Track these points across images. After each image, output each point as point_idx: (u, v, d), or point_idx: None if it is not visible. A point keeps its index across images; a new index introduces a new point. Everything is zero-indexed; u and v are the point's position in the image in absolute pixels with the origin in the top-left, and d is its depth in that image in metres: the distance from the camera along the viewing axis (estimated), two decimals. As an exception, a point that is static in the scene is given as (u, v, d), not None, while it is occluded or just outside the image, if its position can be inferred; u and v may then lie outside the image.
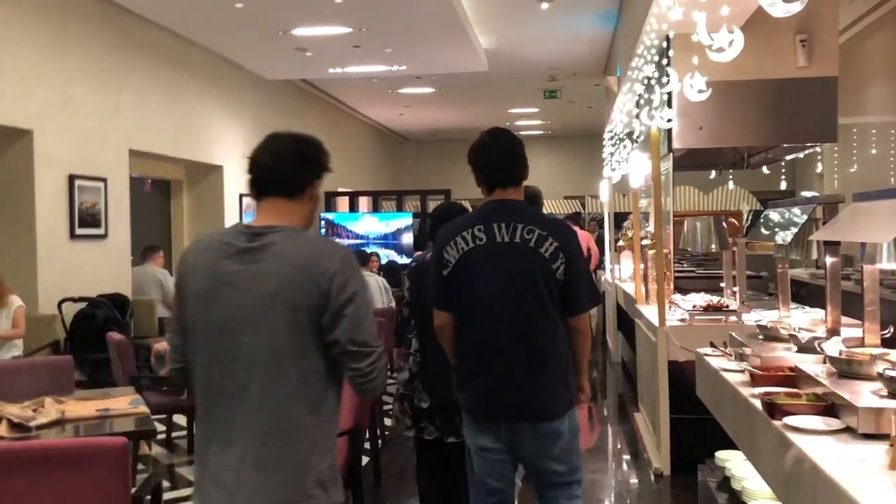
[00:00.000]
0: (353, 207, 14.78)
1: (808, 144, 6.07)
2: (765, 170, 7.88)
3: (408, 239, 13.67)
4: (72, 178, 6.88)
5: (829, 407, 2.36)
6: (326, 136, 12.83)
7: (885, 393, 2.29)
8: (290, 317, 1.94)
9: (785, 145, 6.14)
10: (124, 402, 3.39)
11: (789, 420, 2.31)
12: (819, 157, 9.18)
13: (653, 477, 4.87)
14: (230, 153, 10.19)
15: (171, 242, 9.82)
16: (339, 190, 14.50)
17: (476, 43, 9.38)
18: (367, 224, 13.83)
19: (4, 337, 5.71)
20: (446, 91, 13.16)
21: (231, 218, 10.19)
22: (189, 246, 2.16)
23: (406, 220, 13.85)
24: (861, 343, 2.84)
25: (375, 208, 15.08)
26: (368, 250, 11.54)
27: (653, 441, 5.27)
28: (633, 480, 5.02)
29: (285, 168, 2.10)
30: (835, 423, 2.26)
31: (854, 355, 2.54)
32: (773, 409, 2.41)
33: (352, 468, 3.41)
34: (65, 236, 6.83)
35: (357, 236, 13.63)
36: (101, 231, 7.26)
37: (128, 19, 7.74)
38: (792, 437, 2.22)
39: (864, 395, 2.30)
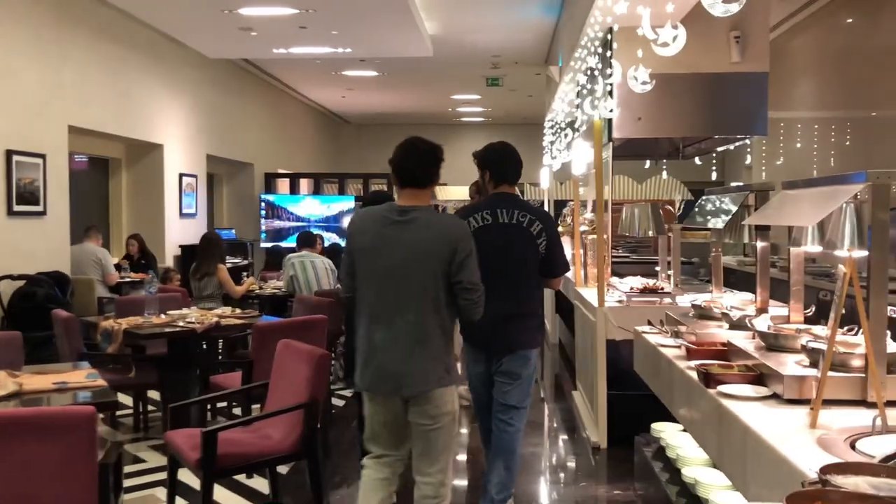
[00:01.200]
0: (294, 189, 14.72)
1: (740, 137, 6.36)
2: (697, 161, 8.20)
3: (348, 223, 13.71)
4: (9, 154, 6.72)
5: (759, 376, 2.59)
6: (267, 116, 12.86)
7: (807, 363, 2.53)
8: (430, 266, 2.97)
9: (717, 137, 6.43)
10: (80, 376, 3.42)
11: (723, 388, 2.52)
12: (748, 150, 9.59)
13: (591, 451, 5.11)
14: (171, 132, 10.05)
15: (108, 221, 9.65)
16: (280, 171, 14.42)
17: (422, 28, 9.46)
18: (309, 206, 13.80)
19: (-59, 314, 5.61)
20: (390, 75, 13.20)
21: (171, 197, 10.07)
22: (357, 214, 3.37)
23: (348, 203, 13.87)
24: (787, 320, 3.09)
25: (317, 190, 15.04)
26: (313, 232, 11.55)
27: (590, 417, 5.51)
28: (572, 455, 5.25)
29: (422, 168, 3.13)
30: (763, 391, 2.48)
31: (780, 330, 2.77)
32: (709, 379, 2.62)
33: (307, 440, 3.52)
34: (1, 213, 6.68)
35: (298, 218, 13.59)
36: (39, 208, 7.13)
37: (68, -8, 7.58)
38: (725, 403, 2.44)
39: (789, 365, 2.53)
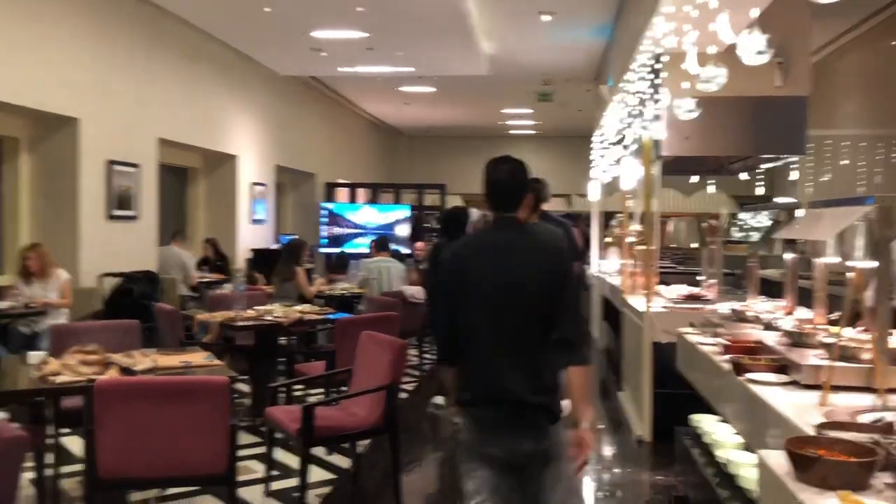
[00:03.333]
0: (352, 198, 15.40)
1: (782, 156, 6.76)
2: (743, 176, 8.56)
3: (403, 230, 14.30)
4: (110, 164, 7.46)
5: (782, 367, 3.06)
6: (329, 129, 13.64)
7: (825, 356, 2.99)
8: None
9: (761, 156, 6.84)
10: (200, 358, 4.03)
11: (750, 375, 3.00)
12: (794, 166, 9.92)
13: (635, 443, 5.57)
14: (244, 143, 10.78)
15: (186, 226, 10.40)
16: (340, 181, 15.11)
17: (479, 48, 10.03)
18: (366, 215, 14.45)
19: (55, 305, 6.32)
20: (445, 90, 13.80)
21: (243, 204, 10.79)
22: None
23: (404, 212, 14.49)
24: (811, 322, 3.54)
25: (373, 200, 15.68)
26: (367, 239, 12.21)
27: (636, 413, 5.97)
28: (618, 446, 5.72)
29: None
30: (784, 378, 2.96)
31: (803, 328, 3.24)
32: (739, 368, 3.10)
33: (389, 417, 4.08)
34: (102, 217, 7.41)
35: (356, 226, 14.24)
36: (133, 213, 7.86)
37: (160, 16, 8.32)
38: (751, 387, 2.91)
39: (808, 357, 2.99)
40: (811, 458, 1.76)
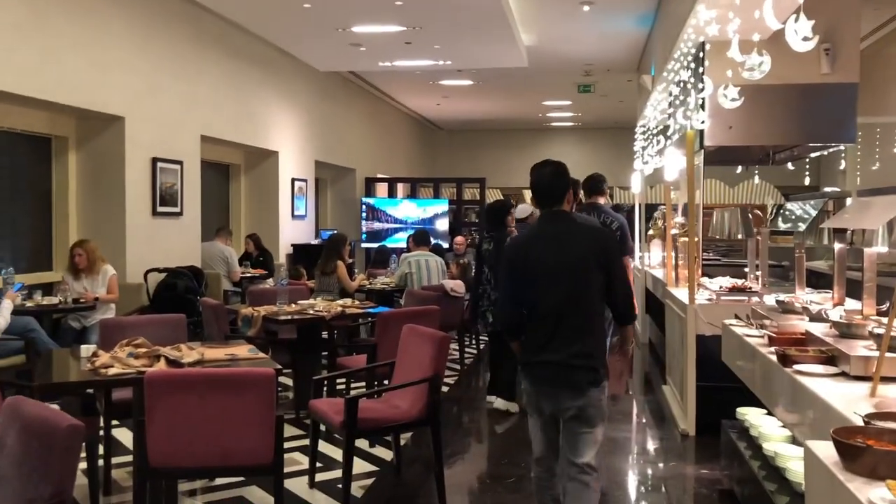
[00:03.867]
0: (392, 193, 15.46)
1: (830, 144, 6.61)
2: (790, 166, 8.39)
3: (443, 225, 14.32)
4: (154, 161, 7.61)
5: (830, 358, 3.00)
6: (368, 124, 13.75)
7: (874, 347, 2.93)
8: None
9: (809, 145, 6.69)
10: (244, 350, 4.09)
11: (798, 367, 2.95)
12: (842, 155, 9.70)
13: (679, 437, 5.51)
14: (284, 139, 10.90)
15: (229, 222, 10.55)
16: (379, 176, 15.19)
17: (519, 40, 9.98)
18: (406, 209, 14.50)
19: (103, 300, 6.47)
20: (484, 83, 13.76)
21: (284, 200, 10.91)
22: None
23: (442, 206, 14.51)
24: (860, 313, 3.47)
25: (412, 194, 15.73)
26: (406, 234, 12.24)
27: (679, 407, 5.91)
28: (661, 441, 5.66)
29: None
30: (833, 369, 2.90)
31: (852, 319, 3.17)
32: (786, 360, 3.05)
33: (431, 409, 4.09)
34: (148, 213, 7.57)
35: (395, 220, 14.31)
36: (177, 209, 8.00)
37: (202, 15, 8.45)
38: (799, 378, 2.87)
39: (857, 348, 2.93)
40: (859, 447, 1.73)
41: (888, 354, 2.66)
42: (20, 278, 6.21)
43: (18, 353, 5.62)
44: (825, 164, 13.47)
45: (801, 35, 2.70)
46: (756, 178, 12.29)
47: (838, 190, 4.65)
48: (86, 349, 4.01)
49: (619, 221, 6.25)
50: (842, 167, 10.44)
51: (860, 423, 2.06)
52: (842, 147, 7.10)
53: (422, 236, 7.90)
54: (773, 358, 3.20)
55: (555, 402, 3.24)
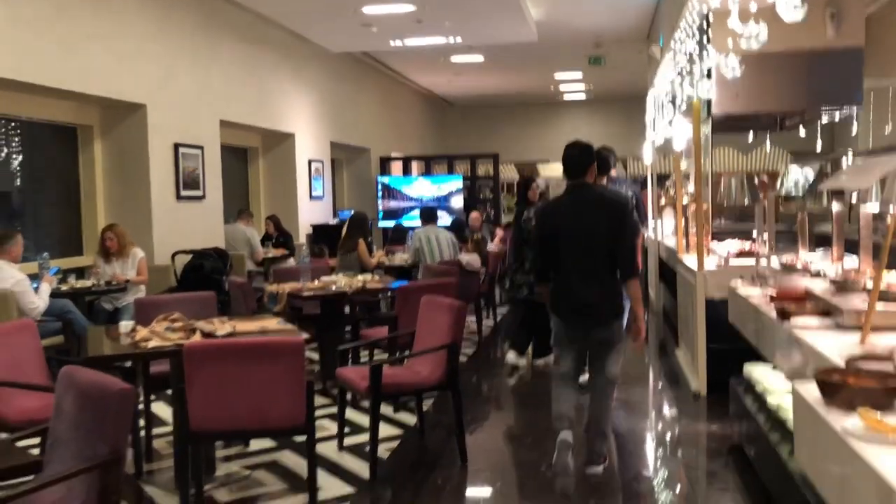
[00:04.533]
0: (406, 171, 15.64)
1: (837, 108, 6.69)
2: (801, 132, 8.45)
3: (458, 201, 14.48)
4: (176, 147, 7.83)
5: (826, 312, 3.18)
6: (381, 103, 13.93)
7: (867, 300, 3.09)
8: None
9: (816, 110, 6.78)
10: (274, 323, 4.32)
11: (795, 320, 3.13)
12: (855, 118, 9.72)
13: (692, 397, 5.71)
14: (300, 121, 11.09)
15: (249, 204, 10.79)
16: (393, 155, 15.36)
17: (528, 14, 10.07)
18: (421, 187, 14.68)
19: (134, 282, 6.74)
20: (494, 58, 13.84)
21: (302, 181, 11.13)
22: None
23: (456, 182, 14.67)
24: (858, 270, 3.63)
25: (427, 171, 15.89)
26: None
27: (691, 369, 6.10)
28: (675, 400, 5.87)
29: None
30: (828, 321, 3.08)
31: (847, 275, 3.34)
32: (784, 314, 3.23)
33: (451, 374, 4.31)
34: (172, 198, 7.81)
35: (411, 198, 14.49)
36: (199, 193, 8.24)
37: (218, 3, 8.63)
38: (795, 331, 3.05)
39: (851, 301, 3.11)
40: (837, 384, 1.92)
41: (879, 306, 2.84)
42: (54, 263, 6.49)
43: (56, 333, 5.90)
44: (838, 129, 13.44)
45: (791, 4, 2.84)
46: (767, 144, 12.31)
47: (834, 153, 4.76)
48: (124, 325, 4.26)
49: (633, 193, 6.54)
50: (854, 131, 10.50)
51: (843, 365, 2.24)
52: (854, 110, 7.18)
53: (428, 213, 8.13)
54: (774, 314, 3.38)
55: (583, 332, 4.13)
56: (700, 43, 6.05)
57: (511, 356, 6.73)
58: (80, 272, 7.02)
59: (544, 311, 4.50)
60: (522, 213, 6.55)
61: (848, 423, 1.79)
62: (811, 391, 2.09)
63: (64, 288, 6.29)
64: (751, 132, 8.87)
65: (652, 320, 9.16)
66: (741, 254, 5.71)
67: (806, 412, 2.06)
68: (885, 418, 1.78)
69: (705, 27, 5.91)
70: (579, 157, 4.15)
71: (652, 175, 11.41)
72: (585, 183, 4.17)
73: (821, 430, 1.92)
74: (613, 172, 6.63)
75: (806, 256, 4.39)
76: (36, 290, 5.69)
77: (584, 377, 4.82)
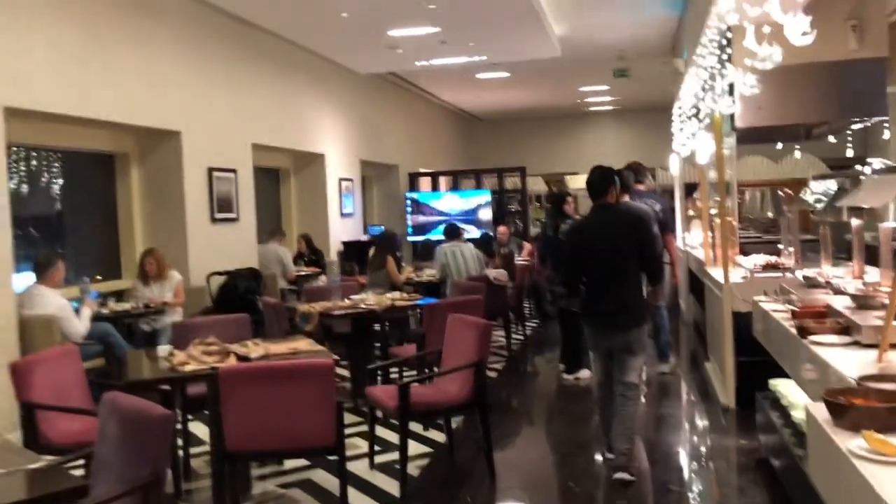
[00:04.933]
0: (435, 186, 15.79)
1: (859, 119, 6.68)
2: (831, 139, 8.39)
3: (486, 215, 14.59)
4: (210, 171, 8.05)
5: (846, 328, 3.21)
6: (408, 120, 14.12)
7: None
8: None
9: (840, 121, 6.78)
10: (305, 344, 4.46)
11: (814, 337, 3.17)
12: (885, 125, 9.65)
13: (721, 410, 5.73)
14: (330, 141, 11.30)
15: (281, 224, 10.99)
16: (422, 171, 15.53)
17: (550, 31, 10.18)
18: (449, 201, 14.82)
19: (171, 304, 6.93)
20: (520, 75, 13.96)
21: (333, 199, 11.32)
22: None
23: (484, 196, 14.79)
24: (879, 285, 3.66)
25: (455, 186, 16.02)
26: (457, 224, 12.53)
27: (720, 382, 6.12)
28: (704, 414, 5.89)
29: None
30: (847, 339, 3.12)
31: (866, 291, 3.38)
32: (803, 331, 3.27)
33: (478, 392, 4.41)
34: (207, 220, 8.02)
35: (440, 213, 14.63)
36: (233, 215, 8.45)
37: (246, 30, 8.87)
38: (814, 348, 3.09)
39: (870, 318, 3.14)
40: (843, 405, 1.98)
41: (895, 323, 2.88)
42: (93, 287, 6.71)
43: (98, 356, 6.10)
44: (871, 135, 13.32)
45: (799, 31, 2.92)
46: (797, 153, 12.25)
47: (853, 170, 4.73)
48: (162, 349, 4.42)
49: (661, 204, 6.84)
50: (886, 137, 10.40)
51: (854, 385, 2.30)
52: (885, 118, 7.14)
53: (452, 229, 8.26)
54: (794, 331, 3.43)
55: (608, 340, 4.50)
56: (720, 59, 6.10)
57: (567, 378, 6.93)
58: (119, 295, 7.24)
59: (577, 322, 5.13)
60: (558, 226, 6.75)
61: (853, 443, 1.86)
62: (822, 410, 2.15)
63: (104, 311, 6.49)
64: (778, 143, 8.87)
65: (682, 332, 9.16)
66: (767, 266, 5.73)
67: (817, 431, 2.13)
68: (891, 439, 1.84)
69: (724, 44, 5.96)
70: (599, 181, 4.60)
71: (680, 186, 11.41)
72: (607, 203, 4.60)
73: (829, 449, 1.98)
74: (642, 187, 6.87)
75: (829, 271, 4.41)
76: (77, 314, 5.90)
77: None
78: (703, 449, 5.21)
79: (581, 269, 4.60)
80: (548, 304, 7.93)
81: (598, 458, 4.85)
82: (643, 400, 4.88)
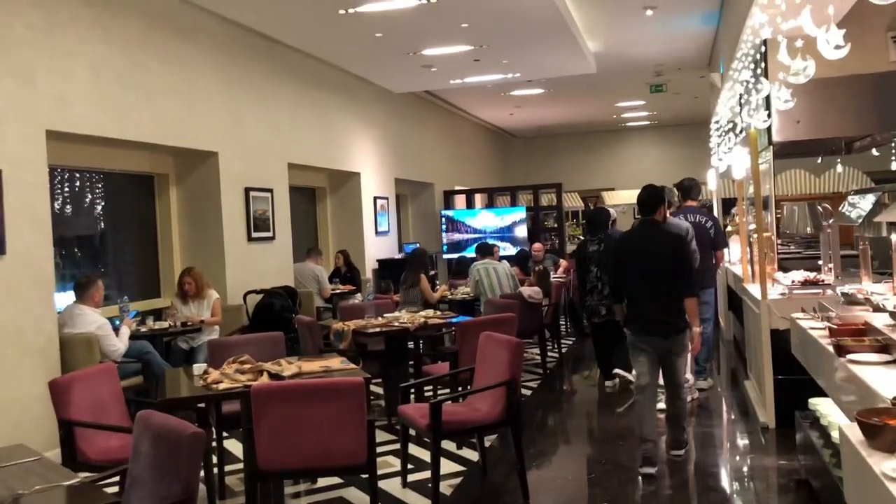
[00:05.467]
0: (470, 204, 15.81)
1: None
2: (874, 152, 8.22)
3: (521, 232, 14.56)
4: (247, 191, 8.17)
5: (885, 346, 3.14)
6: (443, 138, 14.23)
7: (926, 334, 3.05)
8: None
9: (881, 135, 6.64)
10: (337, 363, 4.48)
11: (852, 356, 3.10)
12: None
13: (760, 430, 5.62)
14: (365, 160, 11.40)
15: (317, 242, 11.10)
16: (457, 188, 15.57)
17: (584, 48, 10.17)
18: (484, 219, 14.82)
19: (208, 323, 7.03)
20: (555, 91, 13.96)
21: (368, 217, 11.40)
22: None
23: (520, 213, 14.76)
24: (920, 302, 3.57)
25: (490, 204, 16.03)
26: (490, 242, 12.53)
27: (759, 400, 6.00)
28: (745, 433, 5.78)
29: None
30: (886, 357, 3.04)
31: (906, 308, 3.29)
32: (841, 350, 3.20)
33: (510, 411, 4.38)
34: (243, 240, 8.13)
35: (475, 231, 14.64)
36: (269, 234, 8.55)
37: (281, 50, 9.02)
38: (851, 367, 3.02)
39: (909, 336, 3.06)
40: (877, 426, 1.93)
41: (936, 341, 2.80)
42: (133, 306, 6.84)
43: (136, 374, 6.20)
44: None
45: (832, 44, 2.87)
46: (839, 167, 12.02)
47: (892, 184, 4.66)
48: (198, 368, 4.48)
49: (712, 221, 6.96)
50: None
51: (889, 405, 2.24)
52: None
53: (484, 247, 8.31)
54: (831, 349, 3.35)
55: (653, 346, 4.88)
56: (754, 74, 6.04)
57: (607, 384, 7.27)
58: (158, 314, 7.37)
59: (610, 332, 5.87)
60: (601, 242, 7.18)
61: (887, 465, 1.81)
62: (856, 431, 2.10)
63: (143, 330, 6.61)
64: (819, 157, 8.71)
65: (722, 349, 9.01)
66: (806, 283, 5.62)
67: (851, 452, 2.07)
68: (925, 461, 1.78)
69: (759, 58, 5.89)
70: (649, 200, 5.07)
71: (718, 201, 11.27)
72: (654, 220, 5.07)
73: (863, 470, 1.93)
74: (694, 203, 7.10)
75: (869, 287, 4.31)
76: (116, 332, 6.01)
77: (661, 403, 5.45)
78: (742, 469, 5.11)
79: (625, 277, 5.03)
80: (584, 318, 8.06)
81: (638, 477, 4.78)
82: (686, 408, 5.31)
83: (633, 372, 5.25)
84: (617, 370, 7.12)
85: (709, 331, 6.92)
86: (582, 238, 8.69)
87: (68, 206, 7.00)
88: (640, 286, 4.91)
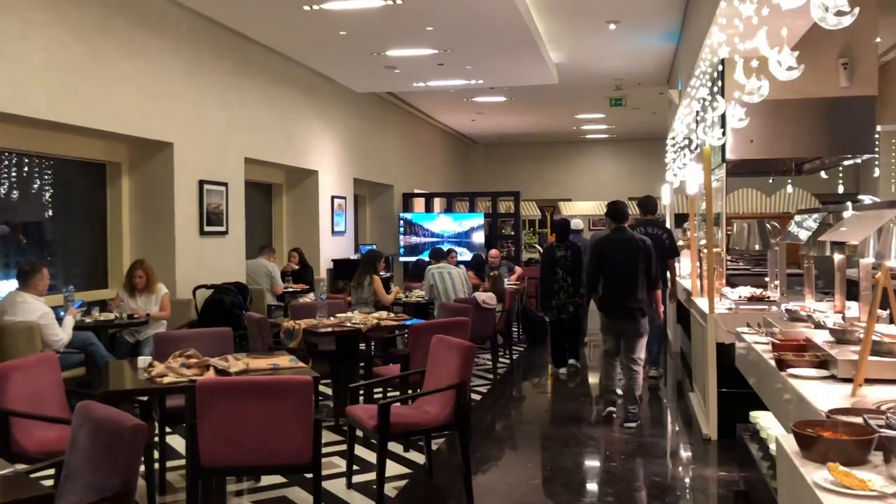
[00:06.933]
0: (429, 208, 15.82)
1: (848, 156, 6.74)
2: (823, 175, 8.46)
3: (479, 238, 14.61)
4: (201, 184, 8.06)
5: (824, 362, 3.22)
6: (404, 141, 14.24)
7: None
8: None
9: (829, 157, 6.83)
10: (286, 361, 4.43)
11: (792, 370, 3.18)
12: (876, 163, 9.75)
13: (703, 441, 5.72)
14: (323, 159, 11.33)
15: (271, 239, 10.99)
16: (416, 191, 15.56)
17: (547, 58, 10.27)
18: (442, 223, 14.84)
19: (156, 317, 6.90)
20: (517, 99, 14.07)
21: (324, 217, 11.33)
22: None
23: (478, 220, 14.82)
24: (859, 320, 3.67)
25: (449, 208, 16.06)
26: (445, 247, 12.55)
27: (703, 412, 6.11)
28: (687, 445, 5.87)
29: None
30: (824, 372, 3.13)
31: (845, 325, 3.39)
32: (782, 364, 3.28)
33: (459, 414, 4.39)
34: (196, 233, 8.01)
35: (432, 234, 14.65)
36: (222, 228, 8.44)
37: (245, 44, 8.92)
38: (791, 381, 3.09)
39: (847, 353, 3.15)
40: (811, 436, 1.98)
41: (871, 357, 2.89)
42: (79, 296, 6.68)
43: (79, 365, 6.06)
44: (862, 172, 13.43)
45: (784, 65, 2.95)
46: (789, 187, 12.33)
47: (834, 205, 4.78)
48: (142, 360, 4.40)
49: (667, 233, 7.99)
50: (876, 174, 10.50)
51: (824, 418, 2.30)
52: (875, 155, 7.20)
53: (437, 252, 8.39)
54: (773, 362, 3.43)
55: (621, 326, 6.21)
56: (711, 91, 6.16)
57: (561, 371, 8.34)
58: (104, 305, 7.21)
59: (570, 328, 7.79)
60: (568, 248, 8.15)
61: (818, 475, 1.86)
62: (791, 442, 2.15)
63: (88, 321, 6.46)
64: (770, 177, 8.92)
65: (669, 362, 9.15)
66: (752, 299, 5.75)
67: (786, 463, 2.12)
68: (855, 472, 1.84)
69: (716, 77, 6.02)
70: (620, 212, 6.46)
71: (671, 215, 11.46)
72: (624, 227, 6.37)
73: (796, 480, 1.98)
74: (651, 217, 8.05)
75: (812, 304, 4.43)
76: (60, 322, 5.86)
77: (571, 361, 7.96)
78: (684, 479, 5.19)
79: (602, 271, 6.27)
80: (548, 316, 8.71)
81: (584, 486, 4.82)
82: (640, 380, 6.31)
83: (603, 348, 6.54)
84: (571, 360, 8.24)
85: (658, 326, 7.81)
86: (546, 245, 9.45)
87: (15, 191, 6.82)
88: (616, 278, 6.18)
